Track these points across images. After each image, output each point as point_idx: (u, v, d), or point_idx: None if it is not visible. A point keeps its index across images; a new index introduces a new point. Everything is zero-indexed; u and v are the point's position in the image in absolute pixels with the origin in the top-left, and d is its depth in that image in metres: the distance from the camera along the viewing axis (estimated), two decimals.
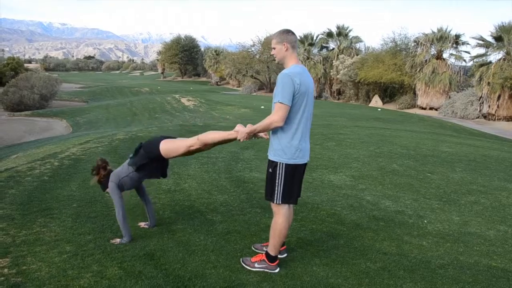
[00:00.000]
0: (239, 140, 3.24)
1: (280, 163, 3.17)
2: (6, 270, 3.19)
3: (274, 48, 3.25)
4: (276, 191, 3.20)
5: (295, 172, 3.21)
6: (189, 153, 3.65)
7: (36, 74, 35.47)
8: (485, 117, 24.73)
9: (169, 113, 21.86)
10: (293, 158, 3.16)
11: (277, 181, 3.19)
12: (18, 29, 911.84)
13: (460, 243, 4.13)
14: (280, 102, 3.01)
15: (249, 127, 3.19)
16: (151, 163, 3.72)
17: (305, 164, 3.30)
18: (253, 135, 3.29)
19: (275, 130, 3.17)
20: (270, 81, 45.86)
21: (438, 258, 3.74)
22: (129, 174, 3.78)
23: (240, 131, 3.23)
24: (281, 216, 3.26)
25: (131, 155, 3.82)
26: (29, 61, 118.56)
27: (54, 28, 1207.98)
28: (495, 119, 24.03)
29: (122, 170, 3.81)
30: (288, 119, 3.10)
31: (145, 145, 3.72)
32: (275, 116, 3.04)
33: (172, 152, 3.63)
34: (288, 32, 3.22)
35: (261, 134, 3.37)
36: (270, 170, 3.24)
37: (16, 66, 46.78)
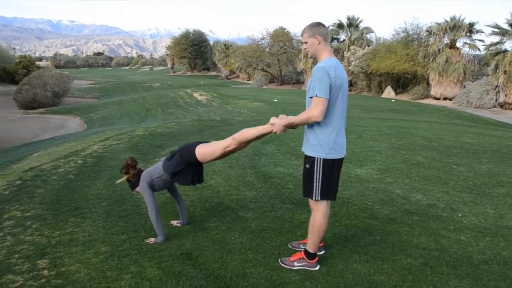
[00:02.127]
0: (275, 132, 3.17)
1: (317, 158, 3.09)
2: (46, 271, 3.18)
3: (305, 43, 3.16)
4: (314, 187, 3.13)
5: (333, 167, 3.13)
6: (226, 154, 3.58)
7: (48, 71, 35.64)
8: (501, 106, 24.38)
9: (183, 108, 21.83)
10: (331, 152, 3.08)
11: (315, 177, 3.11)
12: (28, 27, 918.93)
13: (499, 237, 4.03)
14: (318, 96, 2.93)
15: (286, 119, 3.10)
16: (187, 168, 3.66)
17: (342, 158, 3.22)
18: (290, 127, 3.20)
19: (311, 125, 3.09)
20: (281, 74, 45.68)
21: (480, 253, 3.65)
22: (162, 176, 3.73)
23: (277, 123, 3.12)
24: (319, 212, 3.18)
25: (165, 158, 3.78)
26: (40, 59, 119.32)
27: (63, 25, 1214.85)
28: None
29: (155, 171, 3.76)
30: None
31: (181, 151, 3.66)
32: (314, 111, 2.96)
33: (208, 155, 3.56)
34: (319, 25, 3.13)
35: None
36: (308, 166, 3.16)
37: (28, 64, 47.09)
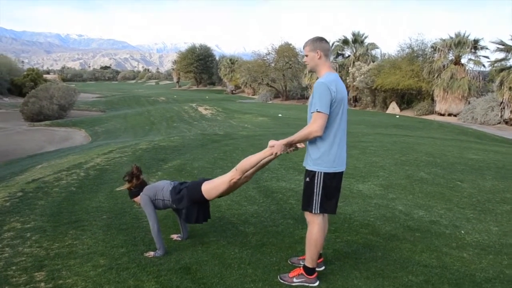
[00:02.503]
0: (276, 153, 3.16)
1: (318, 172, 3.09)
2: (43, 284, 3.16)
3: (306, 56, 3.19)
4: (314, 201, 3.12)
5: (333, 181, 3.13)
6: (231, 188, 3.57)
7: (55, 84, 35.97)
8: (506, 122, 24.27)
9: (187, 122, 21.92)
10: (332, 166, 3.08)
11: (315, 190, 3.10)
12: (37, 41, 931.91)
13: (503, 255, 3.97)
14: (318, 111, 2.94)
15: (285, 139, 3.12)
16: (193, 205, 3.65)
17: (343, 172, 3.21)
18: (290, 146, 3.20)
19: (312, 139, 3.09)
20: (286, 89, 45.83)
21: (483, 272, 3.59)
22: (165, 201, 3.72)
23: (276, 144, 3.14)
24: (315, 225, 3.17)
25: (174, 185, 3.76)
26: (47, 72, 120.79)
27: (71, 39, 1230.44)
28: None
29: (161, 191, 3.73)
30: (326, 127, 3.02)
31: (189, 186, 3.67)
32: (314, 126, 2.97)
33: (214, 191, 3.57)
34: (321, 40, 3.16)
35: (298, 145, 3.28)
36: (308, 179, 3.15)
37: (35, 77, 47.60)
